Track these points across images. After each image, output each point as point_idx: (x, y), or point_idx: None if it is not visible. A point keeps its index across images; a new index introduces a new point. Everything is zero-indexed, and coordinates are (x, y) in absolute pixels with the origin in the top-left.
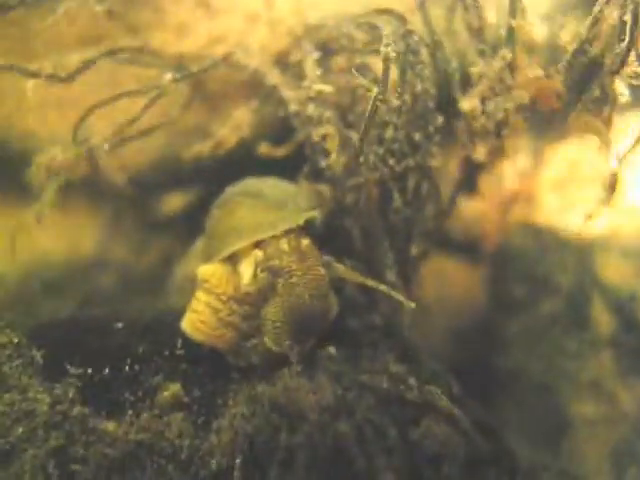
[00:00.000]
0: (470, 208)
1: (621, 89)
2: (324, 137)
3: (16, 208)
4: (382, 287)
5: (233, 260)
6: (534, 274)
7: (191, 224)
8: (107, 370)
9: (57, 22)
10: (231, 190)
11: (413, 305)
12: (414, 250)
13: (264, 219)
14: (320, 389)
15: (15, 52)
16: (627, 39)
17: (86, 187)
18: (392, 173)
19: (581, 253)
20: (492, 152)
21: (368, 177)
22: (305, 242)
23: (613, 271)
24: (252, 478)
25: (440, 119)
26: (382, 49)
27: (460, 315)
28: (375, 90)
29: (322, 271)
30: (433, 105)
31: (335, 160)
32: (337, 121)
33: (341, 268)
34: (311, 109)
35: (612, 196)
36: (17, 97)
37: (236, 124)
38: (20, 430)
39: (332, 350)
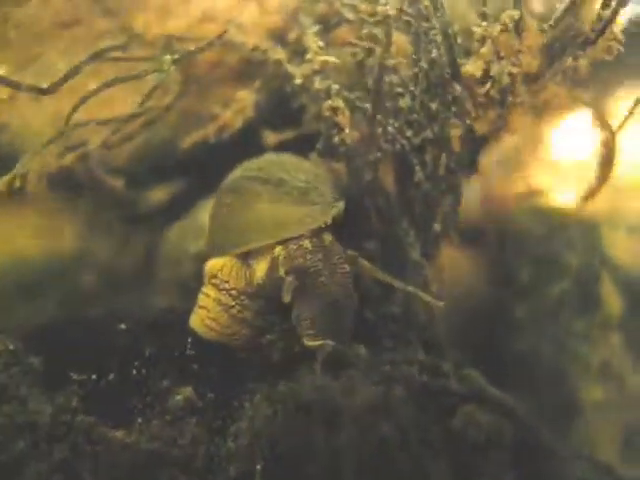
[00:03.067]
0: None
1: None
2: (334, 110)
3: None
4: (410, 288)
5: (244, 253)
6: (541, 256)
7: (175, 218)
8: (112, 375)
9: (32, 6)
10: (245, 173)
11: (441, 304)
12: (437, 227)
13: (289, 216)
14: (354, 387)
15: None
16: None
17: (64, 181)
18: (410, 145)
19: (588, 232)
20: (495, 123)
21: (386, 150)
22: (328, 238)
23: (621, 249)
24: None
25: (458, 87)
26: (379, 8)
27: (468, 300)
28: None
29: (347, 268)
30: (449, 72)
31: (349, 134)
32: (347, 94)
33: (367, 266)
34: (317, 83)
35: (608, 170)
36: None
37: (240, 106)
38: (21, 444)
39: (362, 350)
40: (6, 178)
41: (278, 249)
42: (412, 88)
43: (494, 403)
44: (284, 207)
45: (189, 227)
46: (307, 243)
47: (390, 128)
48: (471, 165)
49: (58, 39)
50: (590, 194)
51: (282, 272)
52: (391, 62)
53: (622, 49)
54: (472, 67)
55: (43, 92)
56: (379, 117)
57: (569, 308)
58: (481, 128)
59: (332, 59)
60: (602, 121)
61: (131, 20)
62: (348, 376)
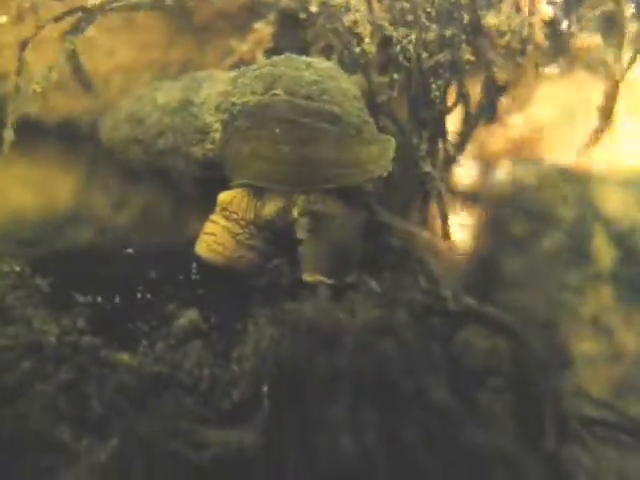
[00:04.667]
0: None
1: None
2: (355, 23)
3: None
4: (425, 234)
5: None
6: (534, 209)
7: None
8: (118, 298)
9: None
10: (291, 99)
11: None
12: (450, 148)
13: (352, 161)
14: (356, 308)
15: None
16: None
17: (59, 135)
18: (425, 66)
19: (581, 186)
20: (515, 73)
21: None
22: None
23: (614, 203)
24: (283, 405)
25: (467, 16)
26: None
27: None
28: None
29: (364, 215)
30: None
31: (369, 44)
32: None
33: (383, 212)
34: None
35: (608, 122)
36: None
37: (258, 37)
38: (27, 364)
39: (374, 284)
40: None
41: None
42: (429, 9)
43: (493, 322)
44: (344, 150)
45: None
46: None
47: (410, 46)
48: (491, 113)
49: None
50: (589, 145)
51: (296, 213)
52: None
53: None
54: (493, 19)
55: None
56: (396, 35)
57: (561, 261)
58: (502, 77)
59: None
60: (608, 71)
61: None
62: (349, 298)
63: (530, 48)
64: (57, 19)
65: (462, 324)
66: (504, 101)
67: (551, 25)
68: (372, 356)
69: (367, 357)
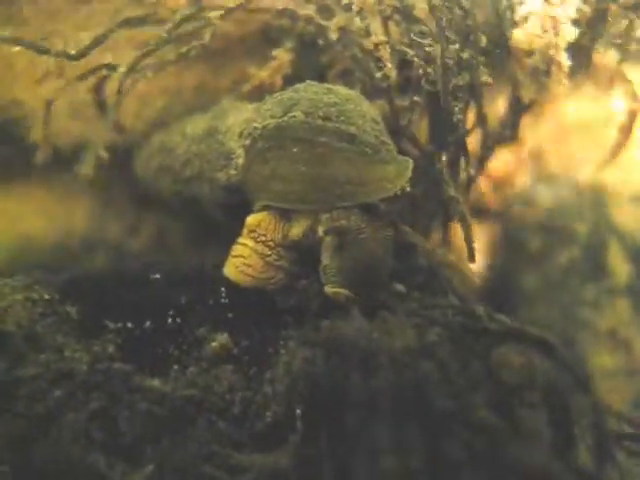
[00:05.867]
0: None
1: None
2: (376, 45)
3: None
4: (451, 259)
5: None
6: (550, 224)
7: None
8: (148, 323)
9: None
10: (309, 120)
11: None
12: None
13: (367, 179)
14: (390, 328)
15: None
16: None
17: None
18: (443, 89)
19: (596, 201)
20: (539, 92)
21: (424, 92)
22: (375, 203)
23: (629, 217)
24: (317, 427)
25: (484, 39)
26: None
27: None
28: None
29: (391, 232)
30: (482, 21)
31: (391, 69)
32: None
33: (409, 231)
34: (358, 22)
35: (626, 140)
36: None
37: (278, 64)
38: (58, 393)
39: (400, 287)
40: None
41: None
42: (448, 34)
43: (529, 338)
44: (360, 168)
45: None
46: (355, 208)
47: (429, 70)
48: (513, 132)
49: (74, 15)
50: (607, 161)
51: (321, 231)
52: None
53: None
54: (519, 40)
55: (71, 58)
56: (417, 60)
57: (578, 276)
58: (526, 96)
59: (370, 1)
60: (629, 89)
61: None
62: (383, 318)
63: (555, 68)
64: (82, 77)
65: (499, 342)
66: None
67: (573, 44)
68: (411, 376)
69: (406, 377)
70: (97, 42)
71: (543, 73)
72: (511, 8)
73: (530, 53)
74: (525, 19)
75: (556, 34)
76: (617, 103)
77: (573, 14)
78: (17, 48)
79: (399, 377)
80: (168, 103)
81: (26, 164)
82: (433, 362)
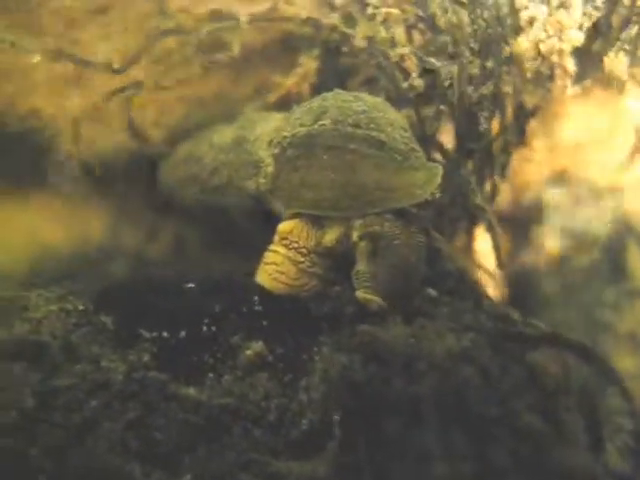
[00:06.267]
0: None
1: None
2: (402, 57)
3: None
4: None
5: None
6: (570, 227)
7: None
8: (183, 332)
9: None
10: (338, 127)
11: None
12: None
13: (397, 185)
14: (431, 334)
15: (18, 26)
16: None
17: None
18: (472, 99)
19: (615, 203)
20: (544, 97)
21: (450, 102)
22: (412, 209)
23: None
24: (355, 434)
25: (508, 49)
26: None
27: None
28: None
29: (423, 239)
30: (503, 31)
31: (417, 79)
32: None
33: (440, 238)
34: (383, 32)
35: None
36: (21, 74)
37: (304, 72)
38: (94, 403)
39: (432, 292)
40: None
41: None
42: (473, 44)
43: (565, 343)
44: (390, 174)
45: None
46: (389, 214)
47: (454, 80)
48: (520, 138)
49: (91, 24)
50: (625, 165)
51: (355, 237)
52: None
53: None
54: (522, 46)
55: (115, 72)
56: (444, 70)
57: (598, 278)
58: (531, 102)
59: (395, 10)
60: None
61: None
62: (420, 324)
63: (559, 73)
64: (108, 97)
65: (535, 346)
66: (533, 125)
67: (582, 48)
68: (453, 382)
69: (448, 383)
70: (139, 56)
71: (547, 78)
72: (514, 13)
73: (534, 58)
74: (529, 24)
75: (560, 39)
76: (630, 107)
77: (579, 19)
78: (37, 58)
79: (441, 383)
80: (189, 111)
81: (43, 174)
82: (474, 367)
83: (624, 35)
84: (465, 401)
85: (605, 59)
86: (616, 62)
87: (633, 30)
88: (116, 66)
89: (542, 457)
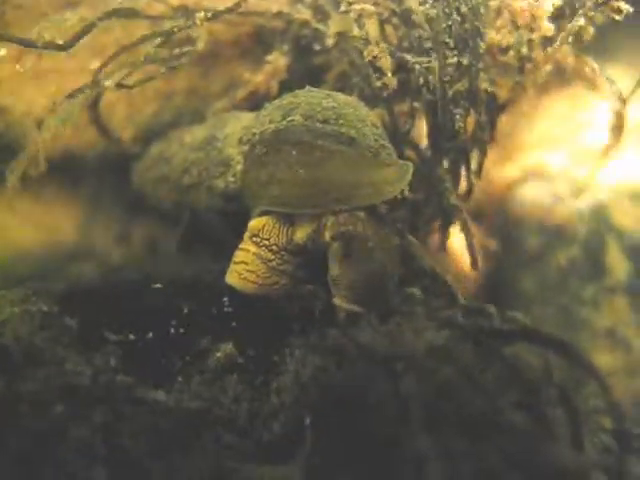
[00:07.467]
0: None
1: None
2: (375, 56)
3: None
4: (448, 277)
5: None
6: (548, 224)
7: None
8: (151, 335)
9: None
10: (307, 123)
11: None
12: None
13: (366, 182)
14: (404, 332)
15: None
16: None
17: (62, 168)
18: (444, 97)
19: (594, 200)
20: (514, 90)
21: (425, 99)
22: (384, 207)
23: (627, 216)
24: (329, 437)
25: (483, 44)
26: None
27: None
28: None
29: (397, 241)
30: (480, 25)
31: (390, 78)
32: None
33: (415, 243)
34: (355, 30)
35: (618, 139)
36: None
37: (273, 69)
38: (60, 408)
39: (417, 292)
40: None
41: (328, 216)
42: (447, 40)
43: (542, 337)
44: (359, 171)
45: None
46: (361, 212)
47: (429, 77)
48: (490, 132)
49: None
50: (600, 161)
51: (327, 237)
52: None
53: (631, 9)
54: (495, 36)
55: (60, 48)
56: (418, 67)
57: (576, 275)
58: (501, 95)
59: (369, 6)
60: (613, 89)
61: None
62: (396, 323)
63: (529, 66)
64: (71, 96)
65: (512, 340)
66: (507, 120)
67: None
68: (435, 381)
69: (430, 382)
70: (85, 31)
71: (517, 70)
72: (486, 5)
73: (504, 50)
74: (497, 14)
75: (530, 30)
76: (602, 103)
77: (550, 10)
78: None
79: (423, 382)
80: (158, 108)
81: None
82: (454, 365)
83: (569, 26)
84: (450, 399)
85: (548, 49)
86: (562, 53)
87: (579, 22)
88: (60, 42)
89: (530, 454)
